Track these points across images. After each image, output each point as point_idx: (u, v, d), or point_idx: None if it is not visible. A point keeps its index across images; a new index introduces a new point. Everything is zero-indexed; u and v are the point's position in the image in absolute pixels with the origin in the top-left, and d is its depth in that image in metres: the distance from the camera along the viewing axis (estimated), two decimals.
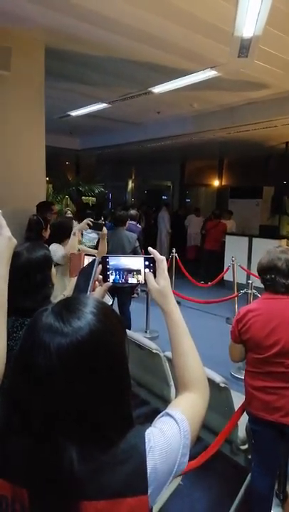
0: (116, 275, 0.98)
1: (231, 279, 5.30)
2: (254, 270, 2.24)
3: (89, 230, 7.97)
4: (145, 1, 3.19)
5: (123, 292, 4.33)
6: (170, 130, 7.87)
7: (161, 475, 0.68)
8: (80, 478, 0.63)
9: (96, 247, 3.50)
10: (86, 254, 1.37)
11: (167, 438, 0.71)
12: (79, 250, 2.90)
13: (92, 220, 2.95)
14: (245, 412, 2.02)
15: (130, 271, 0.97)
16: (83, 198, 10.12)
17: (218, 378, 2.07)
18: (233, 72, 4.78)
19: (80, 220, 3.19)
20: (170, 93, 5.68)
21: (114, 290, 4.08)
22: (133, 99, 6.11)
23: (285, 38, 3.85)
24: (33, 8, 3.35)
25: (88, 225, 2.89)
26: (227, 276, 5.68)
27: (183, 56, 4.34)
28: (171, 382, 2.51)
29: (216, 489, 2.36)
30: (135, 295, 5.72)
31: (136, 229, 6.04)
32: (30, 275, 1.45)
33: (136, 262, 0.96)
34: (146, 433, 0.70)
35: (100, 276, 0.99)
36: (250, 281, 3.94)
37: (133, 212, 6.87)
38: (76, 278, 1.13)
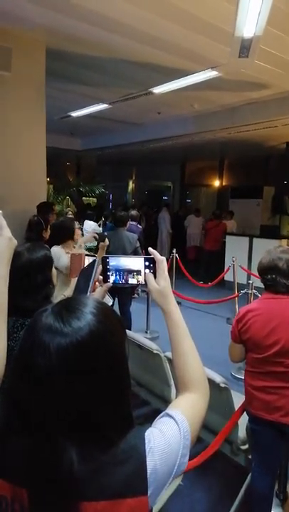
0: (116, 276, 0.98)
1: (232, 280, 5.30)
2: (254, 270, 2.24)
3: (89, 230, 7.99)
4: (146, 2, 3.19)
5: (124, 293, 4.33)
6: (171, 130, 7.88)
7: (161, 475, 0.68)
8: (79, 478, 0.63)
9: (96, 248, 3.50)
10: (86, 255, 1.37)
11: (167, 438, 0.71)
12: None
13: (97, 233, 2.95)
14: (245, 412, 2.02)
15: (130, 271, 0.97)
16: (84, 198, 10.13)
17: (218, 378, 2.07)
18: (234, 72, 4.78)
19: (80, 221, 3.19)
20: (171, 93, 5.68)
21: (115, 291, 4.09)
22: (134, 100, 6.11)
23: (285, 38, 3.85)
24: (33, 8, 3.36)
25: (94, 237, 2.89)
26: (227, 276, 5.68)
27: (183, 56, 4.34)
28: (172, 383, 2.51)
29: (216, 489, 2.36)
30: (136, 295, 5.72)
31: (137, 229, 6.04)
32: (30, 275, 1.45)
33: (136, 263, 0.96)
34: (146, 433, 0.70)
35: (101, 277, 0.99)
36: (250, 282, 3.94)
37: (134, 212, 6.87)
38: (76, 279, 1.13)
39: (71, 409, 0.64)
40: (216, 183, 12.13)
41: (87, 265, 1.06)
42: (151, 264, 0.94)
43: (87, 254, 1.37)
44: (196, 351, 0.89)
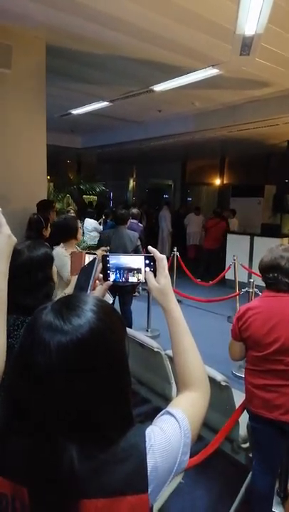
0: (116, 274, 0.97)
1: (233, 278, 5.30)
2: (255, 269, 2.23)
3: (90, 228, 7.95)
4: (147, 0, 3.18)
5: (124, 291, 4.32)
6: (171, 128, 7.86)
7: (161, 473, 0.68)
8: (80, 477, 0.63)
9: (97, 246, 3.49)
10: (87, 253, 1.37)
11: (168, 436, 0.71)
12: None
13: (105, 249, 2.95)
14: (245, 411, 2.02)
15: (131, 270, 0.96)
16: (84, 196, 10.11)
17: (219, 377, 2.07)
18: (235, 70, 4.77)
19: (81, 219, 3.17)
20: (171, 91, 5.67)
21: (116, 289, 4.08)
22: (134, 98, 6.10)
23: (286, 36, 3.83)
24: (33, 5, 3.35)
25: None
26: (228, 274, 5.68)
27: (184, 54, 4.33)
28: (172, 381, 2.51)
29: (217, 488, 2.36)
30: (136, 293, 5.72)
31: (137, 228, 6.04)
32: (31, 273, 1.45)
33: (136, 261, 0.96)
34: (146, 431, 0.70)
35: (101, 275, 0.99)
36: (251, 280, 3.94)
37: (135, 210, 6.87)
38: (77, 277, 1.13)
39: (71, 408, 0.64)
40: (217, 181, 12.12)
41: (88, 263, 1.06)
42: (152, 262, 0.93)
43: (87, 252, 1.37)
44: (196, 349, 0.89)
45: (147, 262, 0.94)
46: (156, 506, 1.44)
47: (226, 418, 2.07)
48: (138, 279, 0.96)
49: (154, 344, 2.54)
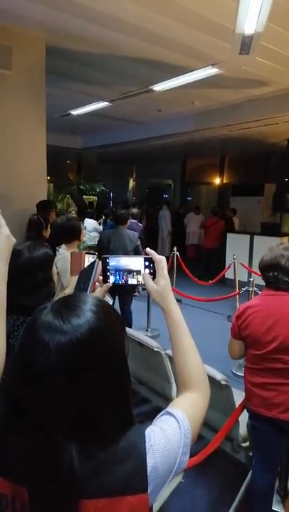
0: (116, 276, 0.97)
1: (233, 277, 5.29)
2: (255, 268, 2.23)
3: (90, 228, 7.94)
4: None
5: (124, 291, 4.32)
6: (171, 128, 7.86)
7: (161, 473, 0.68)
8: (79, 477, 0.63)
9: (97, 246, 3.48)
10: (87, 253, 1.37)
11: (168, 437, 0.71)
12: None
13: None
14: (245, 410, 2.03)
15: (130, 271, 0.96)
16: (84, 197, 10.11)
17: (219, 376, 2.07)
18: (235, 69, 4.76)
19: (81, 219, 3.16)
20: (171, 91, 5.67)
21: (116, 290, 4.08)
22: (134, 98, 6.10)
23: (286, 35, 3.83)
24: (33, 6, 3.35)
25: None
26: (228, 274, 5.67)
27: (184, 53, 4.33)
28: (172, 380, 2.51)
29: (217, 487, 2.37)
30: (136, 293, 5.72)
31: (137, 227, 6.05)
32: (31, 274, 1.45)
33: (136, 263, 0.96)
34: (146, 431, 0.70)
35: (100, 277, 0.99)
36: (251, 279, 3.94)
37: (135, 210, 6.87)
38: (76, 277, 1.13)
39: (71, 407, 0.64)
40: (217, 180, 12.11)
41: (87, 266, 1.06)
42: (151, 264, 0.93)
43: (87, 253, 1.37)
44: (196, 350, 0.89)
45: (147, 263, 0.94)
46: (156, 506, 1.45)
47: (225, 417, 2.08)
48: (138, 281, 0.96)
49: (153, 344, 2.54)
